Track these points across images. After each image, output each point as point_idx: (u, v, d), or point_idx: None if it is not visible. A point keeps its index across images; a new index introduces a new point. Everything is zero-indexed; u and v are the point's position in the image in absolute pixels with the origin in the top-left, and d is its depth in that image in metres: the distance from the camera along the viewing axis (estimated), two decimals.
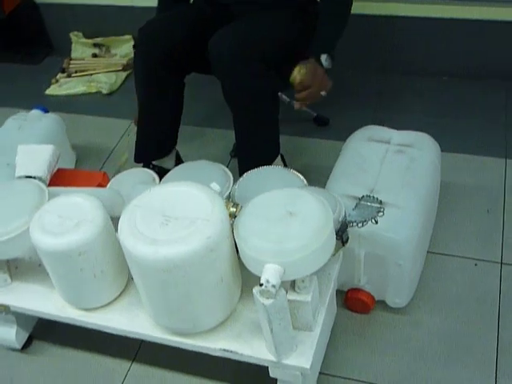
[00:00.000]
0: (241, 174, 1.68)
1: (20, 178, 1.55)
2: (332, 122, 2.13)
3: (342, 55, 2.08)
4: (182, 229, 1.14)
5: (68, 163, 2.03)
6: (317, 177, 1.83)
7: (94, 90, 2.44)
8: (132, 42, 2.58)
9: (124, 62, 2.55)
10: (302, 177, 1.51)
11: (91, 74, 2.52)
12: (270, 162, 1.76)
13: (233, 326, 1.28)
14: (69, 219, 1.25)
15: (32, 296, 1.41)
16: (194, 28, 1.64)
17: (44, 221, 1.25)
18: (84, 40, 2.63)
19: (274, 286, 1.09)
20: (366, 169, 1.50)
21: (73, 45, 2.66)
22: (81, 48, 2.65)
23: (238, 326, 1.28)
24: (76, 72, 2.54)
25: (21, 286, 1.44)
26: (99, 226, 1.24)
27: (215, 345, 1.26)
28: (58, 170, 1.65)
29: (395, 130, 1.60)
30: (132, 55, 2.54)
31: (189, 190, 1.22)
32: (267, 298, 1.10)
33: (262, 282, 1.10)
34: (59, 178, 1.62)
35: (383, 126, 1.63)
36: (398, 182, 1.46)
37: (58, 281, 1.32)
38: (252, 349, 1.25)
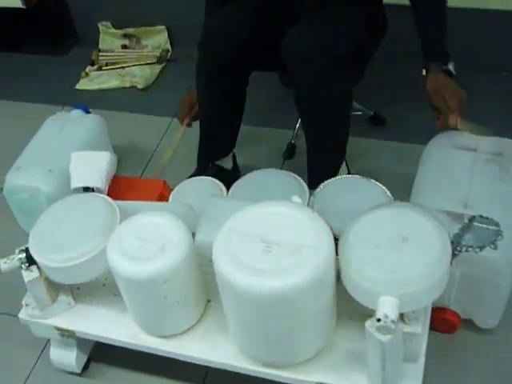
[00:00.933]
0: (310, 182, 1.58)
1: (76, 189, 1.44)
2: (389, 121, 2.02)
3: (398, 50, 1.99)
4: (288, 257, 1.03)
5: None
6: (383, 183, 1.72)
7: (128, 85, 2.30)
8: (165, 33, 2.44)
9: (157, 53, 2.42)
10: (384, 188, 1.41)
11: (123, 67, 2.38)
12: (339, 167, 1.65)
13: (327, 357, 1.18)
14: (151, 242, 1.13)
15: (100, 321, 1.29)
16: (259, 24, 1.51)
17: (123, 244, 1.14)
18: (113, 30, 2.48)
19: (393, 322, 0.98)
20: (455, 180, 1.39)
21: (101, 35, 2.52)
22: (109, 39, 2.51)
23: (333, 356, 1.18)
24: (107, 65, 2.40)
25: (86, 310, 1.32)
26: (185, 250, 1.13)
27: (311, 377, 1.16)
28: (115, 177, 1.53)
29: (478, 136, 1.49)
30: (166, 46, 2.44)
31: (288, 211, 1.10)
32: (384, 334, 0.99)
33: (379, 316, 0.99)
34: (117, 188, 1.49)
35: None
36: (492, 195, 1.35)
37: (134, 307, 1.21)
38: (350, 382, 1.15)
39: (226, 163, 1.76)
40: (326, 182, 1.42)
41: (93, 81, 2.33)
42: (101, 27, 2.50)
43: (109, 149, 1.90)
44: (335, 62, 1.41)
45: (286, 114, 2.04)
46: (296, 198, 1.33)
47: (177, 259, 1.11)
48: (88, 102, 2.23)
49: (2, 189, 1.85)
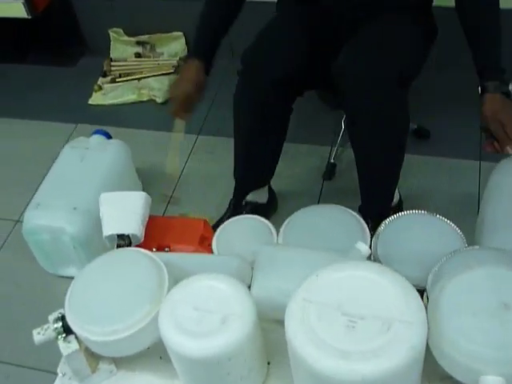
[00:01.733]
0: (364, 210, 1.44)
1: (109, 237, 1.28)
2: (433, 134, 1.87)
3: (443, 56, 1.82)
4: (376, 335, 0.88)
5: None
6: (434, 204, 1.59)
7: (145, 98, 2.15)
8: (182, 40, 2.28)
9: (174, 62, 2.25)
10: (453, 225, 1.26)
11: (139, 79, 2.22)
12: (394, 193, 1.51)
13: None
14: (210, 313, 0.98)
15: None
16: (308, 43, 1.35)
17: (177, 315, 0.99)
18: (126, 38, 2.32)
19: None
20: None
21: (112, 43, 2.35)
22: (121, 47, 2.34)
23: None
24: (120, 76, 2.24)
25: (129, 376, 1.17)
26: (251, 321, 0.98)
27: None
28: (149, 217, 1.37)
29: None
30: (184, 54, 2.27)
31: (369, 274, 0.96)
32: None
33: None
34: (152, 230, 1.34)
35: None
36: None
37: (190, 381, 1.07)
38: None
39: (261, 196, 1.61)
40: (387, 221, 1.28)
41: (107, 95, 2.17)
42: (112, 34, 2.33)
43: (134, 177, 1.75)
44: (399, 83, 1.26)
45: (319, 128, 1.90)
46: (361, 245, 1.18)
47: (242, 333, 0.96)
48: (103, 119, 2.09)
49: (17, 220, 1.71)
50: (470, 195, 1.67)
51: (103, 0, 2.27)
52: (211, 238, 1.36)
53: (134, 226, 1.27)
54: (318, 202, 1.76)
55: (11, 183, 1.92)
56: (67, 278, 1.63)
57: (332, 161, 1.80)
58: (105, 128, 2.03)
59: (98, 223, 1.52)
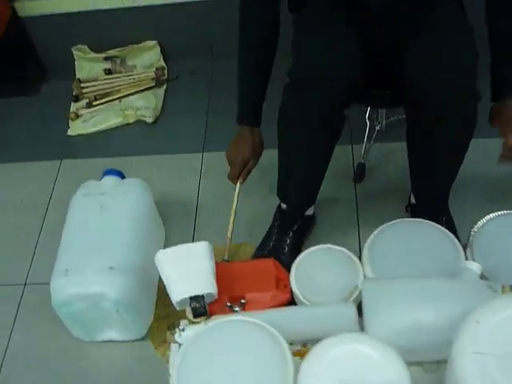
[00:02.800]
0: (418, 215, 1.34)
1: (180, 302, 1.12)
2: None
3: None
4: None
5: (160, 239, 1.58)
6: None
7: (132, 120, 1.93)
8: (157, 49, 2.07)
9: (151, 74, 2.04)
10: None
11: (119, 99, 2.00)
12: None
13: None
14: None
15: None
16: (360, 48, 1.19)
17: None
18: (92, 55, 2.08)
19: None
20: None
21: (76, 63, 2.11)
22: (87, 65, 2.10)
23: None
24: (96, 98, 2.01)
25: None
26: None
27: None
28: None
29: None
30: (160, 64, 2.07)
31: None
32: None
33: None
34: (219, 280, 1.17)
35: None
36: None
37: None
38: None
39: (309, 208, 1.49)
40: (476, 229, 1.18)
41: (87, 122, 1.94)
42: (76, 53, 2.09)
43: (157, 218, 1.56)
44: (474, 81, 1.14)
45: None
46: (472, 264, 1.07)
47: None
48: (89, 150, 1.88)
49: (25, 284, 1.51)
50: None
51: (59, 17, 2.02)
52: (286, 278, 1.22)
53: (207, 284, 1.12)
54: (357, 207, 1.64)
55: (5, 241, 1.68)
56: (104, 342, 1.44)
57: (362, 161, 1.67)
58: (95, 161, 1.84)
59: (139, 280, 1.35)
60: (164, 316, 1.47)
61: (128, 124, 1.93)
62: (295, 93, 1.20)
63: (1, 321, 1.52)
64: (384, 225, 1.23)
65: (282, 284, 1.22)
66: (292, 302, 1.22)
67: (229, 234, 1.46)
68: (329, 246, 1.25)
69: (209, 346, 0.96)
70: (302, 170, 1.35)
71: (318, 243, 1.31)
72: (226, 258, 1.45)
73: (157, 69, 2.05)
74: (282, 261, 1.39)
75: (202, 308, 1.11)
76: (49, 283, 1.54)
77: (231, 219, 1.46)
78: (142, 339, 1.44)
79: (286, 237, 1.48)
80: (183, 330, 1.09)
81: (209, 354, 0.95)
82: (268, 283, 1.21)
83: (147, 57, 2.09)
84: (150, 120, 1.91)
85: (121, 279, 1.30)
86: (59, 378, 1.41)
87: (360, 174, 1.67)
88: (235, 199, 1.46)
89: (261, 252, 1.48)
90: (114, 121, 1.92)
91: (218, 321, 1.00)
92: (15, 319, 1.52)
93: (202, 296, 1.11)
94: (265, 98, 1.35)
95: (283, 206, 1.50)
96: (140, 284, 1.35)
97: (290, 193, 1.43)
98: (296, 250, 1.46)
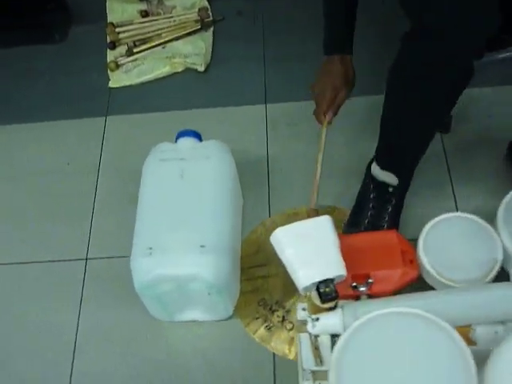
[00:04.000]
0: None
1: (308, 287, 0.97)
2: None
3: None
4: None
5: (240, 207, 1.42)
6: None
7: (181, 69, 1.73)
8: None
9: (194, 16, 1.83)
10: None
11: (162, 44, 1.79)
12: None
13: None
14: None
15: None
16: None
17: None
18: None
19: None
20: None
21: (108, 3, 1.89)
22: (120, 6, 1.88)
23: None
24: (136, 45, 1.80)
25: None
26: None
27: None
28: None
29: None
30: (202, 4, 1.85)
31: None
32: None
33: None
34: (344, 258, 1.02)
35: None
36: None
37: None
38: None
39: (391, 177, 1.31)
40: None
41: (131, 72, 1.74)
42: None
43: (239, 185, 1.40)
44: None
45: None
46: None
47: None
48: (136, 104, 1.69)
49: (86, 258, 1.36)
50: None
51: None
52: (411, 252, 1.08)
53: (337, 266, 0.97)
54: (447, 162, 1.49)
55: (57, 212, 1.51)
56: (185, 322, 1.30)
57: None
58: (145, 116, 1.66)
59: (231, 258, 1.20)
60: (252, 290, 1.34)
61: (176, 73, 1.74)
62: (422, 43, 1.02)
63: (67, 300, 1.37)
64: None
65: (408, 259, 1.08)
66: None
67: (317, 177, 1.28)
68: (458, 213, 1.11)
69: (372, 342, 0.83)
70: (420, 137, 1.18)
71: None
72: (313, 206, 1.29)
73: (199, 9, 1.84)
74: None
75: (332, 292, 0.97)
76: (112, 257, 1.41)
77: (319, 161, 1.29)
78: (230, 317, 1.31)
79: (385, 212, 1.31)
80: (317, 319, 0.95)
81: (374, 352, 0.81)
82: (394, 259, 1.07)
83: None
84: (201, 68, 1.71)
85: (214, 259, 1.15)
86: (141, 359, 1.28)
87: (447, 124, 1.51)
88: (322, 139, 1.29)
89: (353, 230, 1.32)
90: (161, 70, 1.72)
91: (377, 313, 0.86)
92: (81, 299, 1.37)
93: (332, 279, 0.97)
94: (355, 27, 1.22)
95: (379, 173, 1.32)
96: (232, 262, 1.20)
97: (398, 166, 1.27)
98: (395, 223, 1.32)
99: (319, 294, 0.97)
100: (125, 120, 1.66)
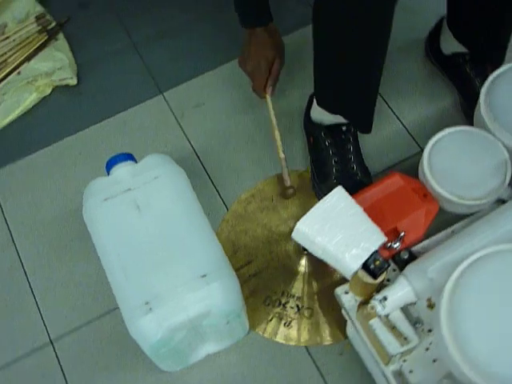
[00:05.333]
0: None
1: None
2: None
3: None
4: None
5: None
6: None
7: (49, 90, 1.48)
8: None
9: (34, 27, 1.56)
10: None
11: (15, 70, 1.51)
12: None
13: None
14: None
15: None
16: None
17: None
18: None
19: None
20: None
21: None
22: None
23: None
24: None
25: None
26: None
27: None
28: None
29: None
30: (38, 10, 1.61)
31: None
32: None
33: None
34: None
35: None
36: None
37: None
38: None
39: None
40: None
41: None
42: None
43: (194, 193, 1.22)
44: None
45: None
46: None
47: None
48: (14, 147, 1.44)
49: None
50: None
51: None
52: (421, 186, 1.01)
53: (375, 234, 0.88)
54: None
55: None
56: (195, 363, 1.15)
57: None
58: (33, 158, 1.41)
59: (234, 274, 1.06)
60: (251, 293, 1.21)
61: (47, 96, 1.48)
62: None
63: None
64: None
65: (422, 195, 1.01)
66: None
67: (281, 155, 1.25)
68: (449, 130, 1.03)
69: (484, 285, 0.74)
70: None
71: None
72: (289, 184, 1.25)
73: (37, 18, 1.58)
74: (358, 184, 1.18)
75: (383, 264, 0.87)
76: (78, 327, 1.21)
77: (277, 139, 1.25)
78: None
79: (349, 153, 1.23)
80: (385, 298, 0.85)
81: (488, 295, 0.73)
82: (411, 201, 0.99)
83: (17, 7, 1.59)
84: (73, 81, 1.48)
85: (221, 285, 0.99)
86: None
87: None
88: (271, 114, 1.27)
89: (325, 185, 1.23)
90: (28, 100, 1.46)
91: (476, 256, 0.77)
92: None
93: (376, 250, 0.87)
94: None
95: (326, 117, 1.23)
96: (235, 277, 1.06)
97: (345, 103, 1.17)
98: (361, 160, 1.25)
99: (369, 270, 0.86)
100: (13, 170, 1.40)
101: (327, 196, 0.89)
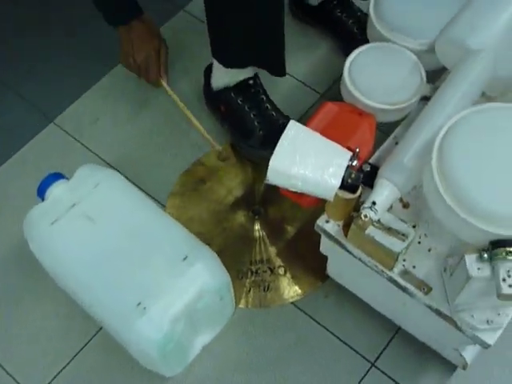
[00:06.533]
0: None
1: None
2: None
3: None
4: None
5: None
6: None
7: None
8: None
9: None
10: None
11: None
12: None
13: None
14: None
15: None
16: None
17: None
18: None
19: None
20: None
21: None
22: None
23: None
24: None
25: None
26: None
27: None
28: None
29: None
30: None
31: None
32: None
33: None
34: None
35: None
36: None
37: None
38: None
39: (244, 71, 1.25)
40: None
41: None
42: None
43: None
44: None
45: None
46: None
47: None
48: None
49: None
50: None
51: None
52: (351, 106, 1.06)
53: (341, 151, 0.91)
54: None
55: None
56: (195, 361, 1.11)
57: None
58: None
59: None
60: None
61: None
62: None
63: None
64: None
65: (357, 114, 1.05)
66: None
67: (201, 128, 1.27)
68: (357, 50, 1.09)
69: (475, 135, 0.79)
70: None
71: None
72: (218, 147, 1.28)
73: None
74: (282, 128, 1.20)
75: (358, 175, 0.89)
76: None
77: (190, 116, 1.27)
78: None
79: (263, 103, 1.26)
80: (374, 203, 0.87)
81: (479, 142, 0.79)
82: (352, 121, 1.03)
83: None
84: None
85: (204, 263, 0.98)
86: None
87: None
88: (175, 97, 1.28)
89: (251, 141, 1.25)
90: None
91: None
92: None
93: (347, 165, 0.89)
94: None
95: (230, 77, 1.25)
96: (212, 251, 1.04)
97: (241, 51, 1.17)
98: (278, 109, 1.28)
99: (347, 186, 0.89)
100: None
101: (285, 132, 0.90)
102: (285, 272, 1.18)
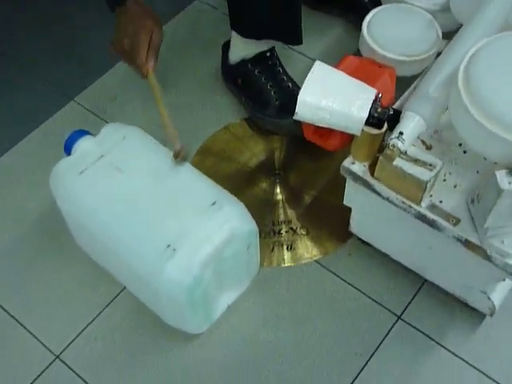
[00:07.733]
0: None
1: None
2: None
3: None
4: None
5: None
6: None
7: None
8: None
9: None
10: None
11: None
12: None
13: None
14: None
15: None
16: None
17: None
18: None
19: None
20: None
21: None
22: None
23: None
24: None
25: None
26: None
27: None
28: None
29: None
30: None
31: None
32: None
33: None
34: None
35: None
36: None
37: None
38: None
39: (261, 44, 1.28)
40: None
41: None
42: None
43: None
44: None
45: None
46: None
47: None
48: None
49: None
50: None
51: None
52: (372, 60, 1.08)
53: (367, 88, 0.93)
54: None
55: None
56: (222, 320, 1.11)
57: None
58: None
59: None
60: None
61: None
62: None
63: None
64: None
65: (377, 66, 1.08)
66: None
67: (170, 127, 1.05)
68: (375, 10, 1.12)
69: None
70: None
71: None
72: (178, 145, 1.02)
73: None
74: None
75: (385, 110, 0.91)
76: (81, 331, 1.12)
77: (163, 112, 1.07)
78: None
79: (280, 75, 1.29)
80: (401, 133, 0.88)
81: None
82: (374, 71, 1.04)
83: None
84: None
85: (233, 207, 0.99)
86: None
87: None
88: (156, 88, 1.10)
89: (270, 110, 1.28)
90: None
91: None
92: None
93: (374, 100, 0.92)
94: None
95: (250, 49, 1.28)
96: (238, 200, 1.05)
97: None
98: (294, 81, 1.31)
99: (374, 121, 0.91)
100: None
101: (311, 70, 0.93)
102: (307, 232, 1.19)
